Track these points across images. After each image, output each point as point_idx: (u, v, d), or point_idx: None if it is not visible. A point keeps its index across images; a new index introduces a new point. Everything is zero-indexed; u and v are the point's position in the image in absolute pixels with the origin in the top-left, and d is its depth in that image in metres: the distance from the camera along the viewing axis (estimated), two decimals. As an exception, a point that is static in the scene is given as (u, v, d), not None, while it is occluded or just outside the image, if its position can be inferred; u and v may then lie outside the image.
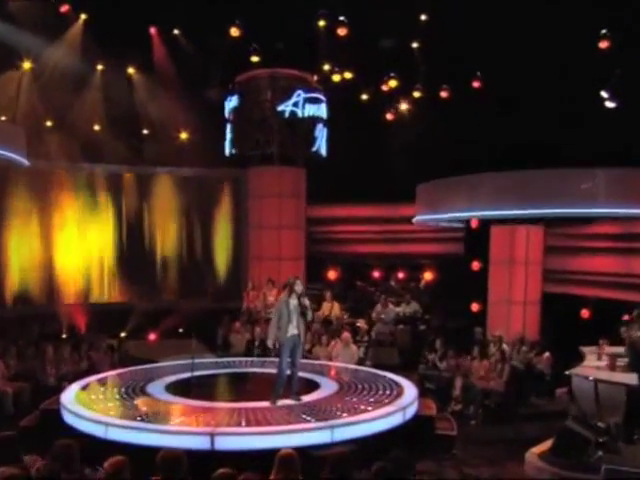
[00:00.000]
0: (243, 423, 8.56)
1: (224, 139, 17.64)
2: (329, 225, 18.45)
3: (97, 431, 8.36)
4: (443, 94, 17.56)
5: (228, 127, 17.65)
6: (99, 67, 16.35)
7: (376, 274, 17.94)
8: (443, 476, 8.93)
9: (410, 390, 10.27)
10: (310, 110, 16.75)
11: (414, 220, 15.69)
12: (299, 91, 16.62)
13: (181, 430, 8.20)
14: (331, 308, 15.27)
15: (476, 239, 15.45)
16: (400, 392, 10.12)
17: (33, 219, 16.19)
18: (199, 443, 7.89)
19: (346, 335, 12.98)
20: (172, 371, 11.21)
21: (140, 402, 9.42)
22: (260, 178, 17.58)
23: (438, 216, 14.59)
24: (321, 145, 17.18)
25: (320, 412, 9.01)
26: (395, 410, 9.23)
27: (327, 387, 10.50)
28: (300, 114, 16.73)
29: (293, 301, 9.34)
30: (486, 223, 14.84)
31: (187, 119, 17.01)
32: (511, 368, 11.73)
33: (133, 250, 17.41)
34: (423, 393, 12.16)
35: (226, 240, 18.13)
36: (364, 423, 8.71)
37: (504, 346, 12.34)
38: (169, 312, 15.92)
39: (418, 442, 9.37)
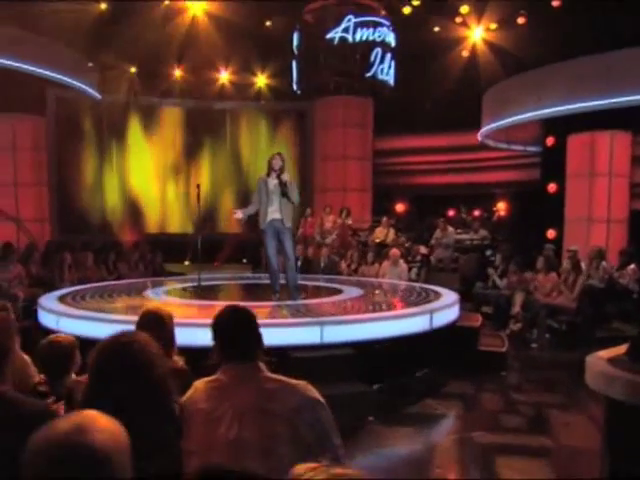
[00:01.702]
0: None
1: (290, 72, 14.77)
2: (397, 157, 15.06)
3: (50, 322, 5.99)
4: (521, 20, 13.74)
5: (293, 63, 14.75)
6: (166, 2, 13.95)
7: (446, 208, 14.41)
8: (480, 402, 5.65)
9: (448, 296, 7.01)
10: (363, 34, 13.33)
11: (479, 134, 12.08)
12: (349, 16, 13.28)
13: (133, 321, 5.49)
14: (386, 234, 12.00)
15: (553, 158, 11.60)
16: (436, 298, 6.92)
17: (104, 151, 14.18)
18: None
19: (394, 252, 9.72)
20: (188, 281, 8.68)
21: (123, 300, 6.89)
22: (325, 109, 14.54)
23: (504, 121, 10.84)
24: (380, 71, 13.71)
25: (322, 312, 6.03)
26: (416, 312, 6.02)
27: (349, 293, 7.45)
28: (350, 39, 13.44)
29: (272, 180, 6.46)
30: (563, 136, 11.01)
31: (251, 51, 14.35)
32: (585, 283, 8.06)
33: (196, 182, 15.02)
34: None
35: (291, 172, 15.21)
36: (367, 323, 5.61)
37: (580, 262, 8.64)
38: (231, 241, 13.45)
39: (452, 358, 6.18)
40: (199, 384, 2.20)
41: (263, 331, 5.26)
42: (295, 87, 14.70)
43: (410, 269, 10.25)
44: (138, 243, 11.17)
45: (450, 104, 12.91)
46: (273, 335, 5.27)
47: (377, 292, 7.66)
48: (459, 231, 13.14)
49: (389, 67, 13.89)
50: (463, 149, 14.13)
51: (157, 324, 3.01)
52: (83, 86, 12.16)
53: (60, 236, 12.73)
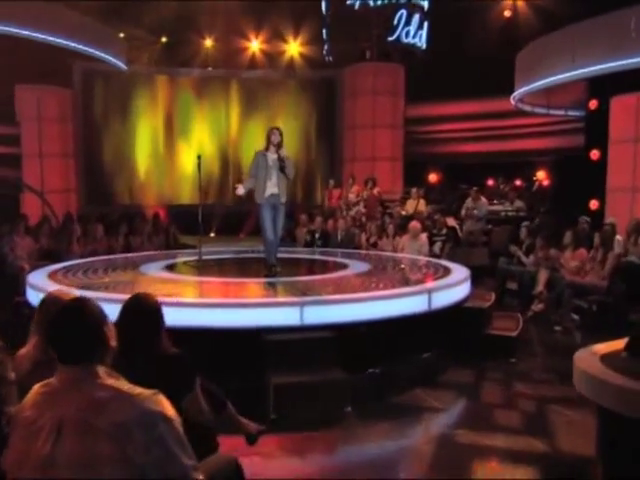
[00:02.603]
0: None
1: (322, 39, 14.08)
2: (430, 124, 14.23)
3: (33, 298, 5.71)
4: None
5: (324, 32, 14.04)
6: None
7: (481, 178, 13.50)
8: (477, 394, 5.02)
9: (455, 273, 6.34)
10: (385, -4, 12.51)
11: (512, 98, 11.09)
12: (371, -22, 12.44)
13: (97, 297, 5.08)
14: (416, 206, 11.29)
15: (597, 123, 10.51)
16: (444, 276, 6.28)
17: (132, 122, 13.93)
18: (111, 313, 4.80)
19: (414, 224, 9.00)
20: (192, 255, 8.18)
21: (114, 275, 6.53)
22: (355, 76, 13.75)
23: (537, 84, 9.81)
24: (405, 34, 12.78)
25: (313, 290, 5.49)
26: (411, 292, 5.41)
27: (353, 269, 6.88)
28: (372, 3, 12.57)
29: (272, 155, 6.25)
30: (608, 98, 9.92)
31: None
32: (618, 258, 7.18)
33: (222, 154, 14.59)
34: (501, 294, 8.20)
35: (319, 142, 14.57)
36: (353, 303, 5.03)
37: (617, 237, 7.72)
38: (256, 213, 13.00)
39: (455, 343, 5.55)
40: (36, 387, 1.86)
41: (235, 311, 4.76)
42: (325, 54, 14.06)
43: (434, 243, 9.52)
44: (155, 215, 10.85)
45: (486, 68, 11.93)
46: (247, 316, 4.82)
47: (384, 268, 7.04)
48: (495, 202, 12.31)
49: (417, 29, 12.99)
50: (500, 115, 13.13)
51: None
52: (109, 57, 11.90)
53: (86, 207, 12.70)
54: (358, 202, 11.48)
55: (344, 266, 7.10)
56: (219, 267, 7.50)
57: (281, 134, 6.26)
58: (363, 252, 8.96)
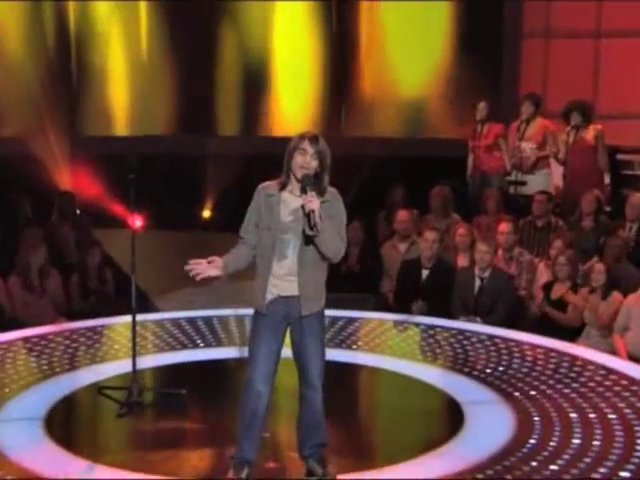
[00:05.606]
0: None
1: None
2: None
3: None
4: None
5: None
6: None
7: None
8: None
9: None
10: None
11: None
12: None
13: None
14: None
15: None
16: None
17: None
18: None
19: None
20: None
21: None
22: None
23: None
24: None
25: None
26: None
27: (469, 440, 5.20)
28: None
29: (292, 198, 4.60)
30: None
31: None
32: None
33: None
34: None
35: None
36: None
37: None
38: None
39: None
40: None
41: None
42: None
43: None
44: (62, 207, 9.71)
45: None
46: None
47: (555, 428, 5.14)
48: None
49: None
50: None
51: None
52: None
53: None
54: (542, 160, 9.93)
55: (454, 422, 5.35)
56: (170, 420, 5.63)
57: (322, 153, 4.46)
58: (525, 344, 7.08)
